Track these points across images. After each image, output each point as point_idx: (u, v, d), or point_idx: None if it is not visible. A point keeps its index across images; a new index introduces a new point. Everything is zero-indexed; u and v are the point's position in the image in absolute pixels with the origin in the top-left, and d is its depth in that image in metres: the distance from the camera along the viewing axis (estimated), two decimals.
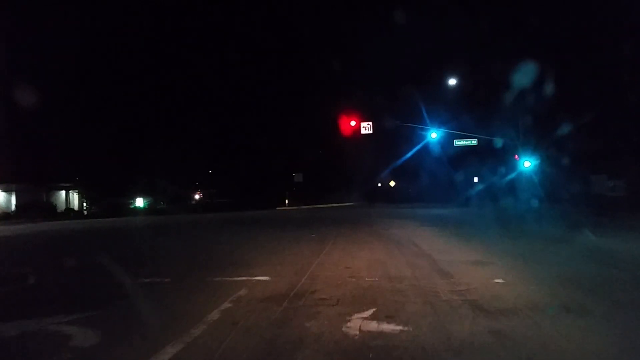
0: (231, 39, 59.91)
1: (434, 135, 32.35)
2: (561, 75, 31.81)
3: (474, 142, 33.97)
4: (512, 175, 32.79)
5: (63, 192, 46.38)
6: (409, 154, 41.89)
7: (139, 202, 47.85)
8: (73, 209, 43.78)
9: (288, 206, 38.67)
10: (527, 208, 25.11)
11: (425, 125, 33.00)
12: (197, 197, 72.74)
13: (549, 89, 31.73)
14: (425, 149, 43.39)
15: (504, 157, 34.80)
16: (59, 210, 42.39)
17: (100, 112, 43.42)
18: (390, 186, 53.77)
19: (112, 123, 43.26)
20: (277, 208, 37.57)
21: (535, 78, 30.42)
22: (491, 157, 37.43)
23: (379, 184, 54.26)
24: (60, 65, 39.80)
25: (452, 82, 33.06)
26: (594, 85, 30.11)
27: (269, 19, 61.29)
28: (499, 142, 33.36)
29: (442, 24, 45.56)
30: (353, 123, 30.22)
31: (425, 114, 33.29)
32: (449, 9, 47.86)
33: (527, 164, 29.48)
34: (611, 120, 27.33)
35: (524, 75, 28.83)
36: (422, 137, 35.22)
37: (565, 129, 29.10)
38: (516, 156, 31.54)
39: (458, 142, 34.44)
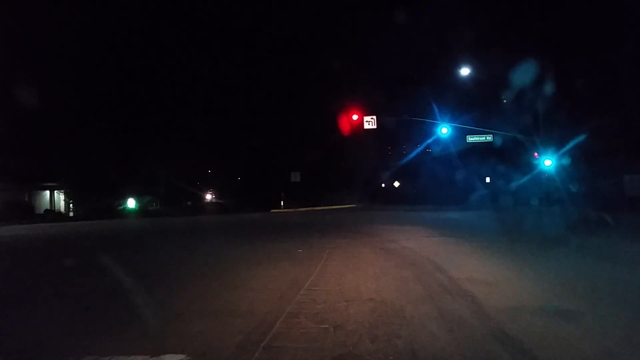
0: (230, 36, 56.76)
1: (444, 130, 28.89)
2: (589, 66, 28.70)
3: (489, 138, 30.73)
4: (530, 175, 29.46)
5: (47, 193, 43.28)
6: (415, 152, 38.74)
7: (131, 203, 44.64)
8: (53, 211, 40.57)
9: (284, 208, 35.37)
10: (556, 212, 21.72)
11: (435, 120, 29.60)
12: (208, 197, 69.93)
13: (574, 80, 28.66)
14: (433, 146, 40.19)
15: (520, 155, 31.42)
16: (37, 212, 39.32)
17: (91, 109, 40.35)
18: (394, 187, 50.59)
19: (104, 121, 40.20)
20: (272, 210, 34.31)
21: (559, 70, 27.55)
22: (505, 155, 34.28)
23: (383, 184, 51.02)
24: (48, 59, 36.96)
25: (465, 71, 29.71)
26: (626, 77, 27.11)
27: (268, 16, 58.14)
28: (497, 141, 30.27)
29: (450, 14, 42.34)
30: (355, 117, 27.14)
31: (435, 107, 29.94)
32: None
33: (548, 162, 26.36)
34: None
35: (542, 67, 26.02)
36: (430, 134, 32.00)
37: (592, 123, 26.15)
38: (535, 154, 28.28)
39: (471, 139, 31.20)
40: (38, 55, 37.12)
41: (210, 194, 70.41)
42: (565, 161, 25.12)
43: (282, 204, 36.26)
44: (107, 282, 7.28)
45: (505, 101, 32.35)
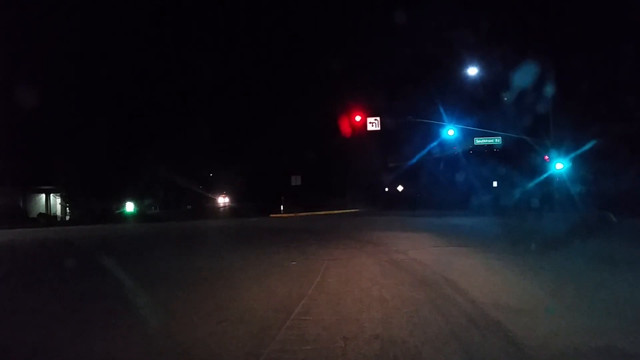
0: (231, 38, 55.90)
1: (450, 132, 27.61)
2: (601, 66, 27.53)
3: (497, 140, 29.52)
4: (540, 178, 28.16)
5: (43, 196, 42.21)
6: (420, 154, 37.47)
7: (129, 206, 43.42)
8: (46, 215, 39.40)
9: (283, 213, 34.12)
10: (561, 216, 20.32)
11: (441, 122, 28.30)
12: (221, 200, 68.35)
13: (585, 82, 27.48)
14: (438, 149, 38.83)
15: (529, 158, 30.14)
16: (31, 216, 38.23)
17: (90, 110, 39.35)
18: (398, 191, 49.33)
19: (102, 122, 39.16)
20: (271, 215, 33.08)
21: (570, 71, 26.40)
22: (513, 158, 33.05)
23: (386, 189, 49.75)
24: (46, 60, 36.00)
25: (473, 71, 28.45)
26: None
27: (268, 17, 57.26)
28: (505, 143, 29.13)
29: (453, 14, 41.17)
30: (358, 118, 26.01)
31: (441, 108, 28.66)
32: None
33: (559, 165, 25.15)
34: None
35: (553, 68, 24.91)
36: (436, 136, 30.76)
37: (604, 125, 24.98)
38: (546, 157, 27.01)
39: (479, 141, 30.06)
40: (36, 55, 36.17)
41: (224, 197, 68.48)
42: (568, 163, 23.97)
43: (281, 208, 35.01)
44: (29, 339, 4.86)
45: (506, 99, 31.04)
